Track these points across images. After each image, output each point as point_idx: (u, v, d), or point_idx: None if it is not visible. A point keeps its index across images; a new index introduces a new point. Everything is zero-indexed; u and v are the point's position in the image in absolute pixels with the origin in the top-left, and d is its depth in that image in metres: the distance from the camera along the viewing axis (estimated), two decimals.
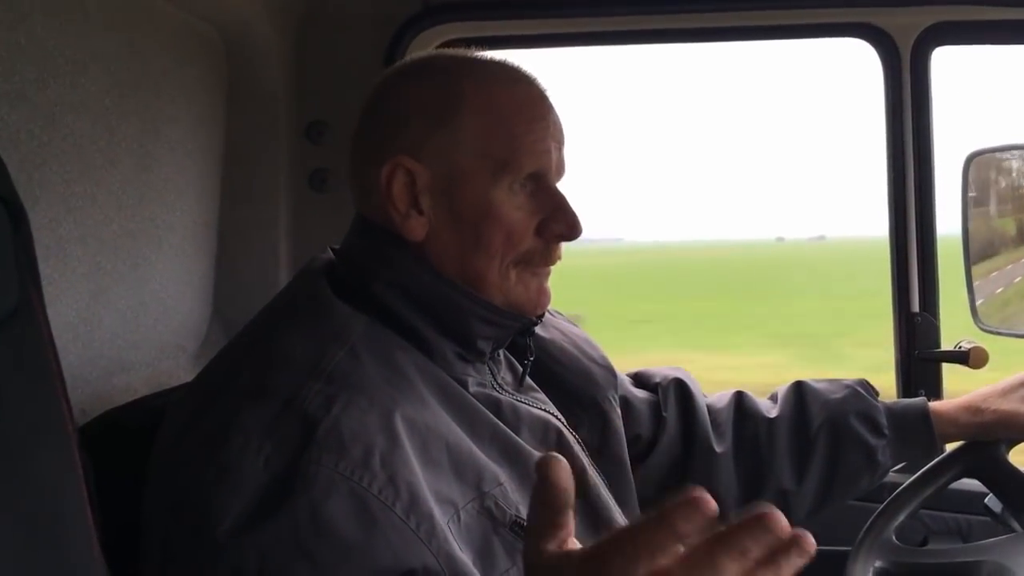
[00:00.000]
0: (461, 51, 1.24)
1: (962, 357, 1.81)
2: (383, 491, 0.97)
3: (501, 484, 1.08)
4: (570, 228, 1.19)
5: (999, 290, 1.84)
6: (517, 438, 1.16)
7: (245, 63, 1.76)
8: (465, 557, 1.00)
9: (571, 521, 0.73)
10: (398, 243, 1.16)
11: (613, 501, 1.25)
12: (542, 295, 1.21)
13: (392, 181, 1.15)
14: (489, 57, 1.22)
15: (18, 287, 0.82)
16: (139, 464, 1.19)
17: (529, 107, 1.18)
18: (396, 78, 1.23)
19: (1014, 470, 1.49)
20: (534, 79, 1.21)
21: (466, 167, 1.15)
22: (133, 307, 1.49)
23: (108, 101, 1.37)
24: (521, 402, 1.22)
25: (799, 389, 1.55)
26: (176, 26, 1.56)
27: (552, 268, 1.23)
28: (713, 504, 0.64)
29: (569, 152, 1.24)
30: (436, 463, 1.03)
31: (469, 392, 1.16)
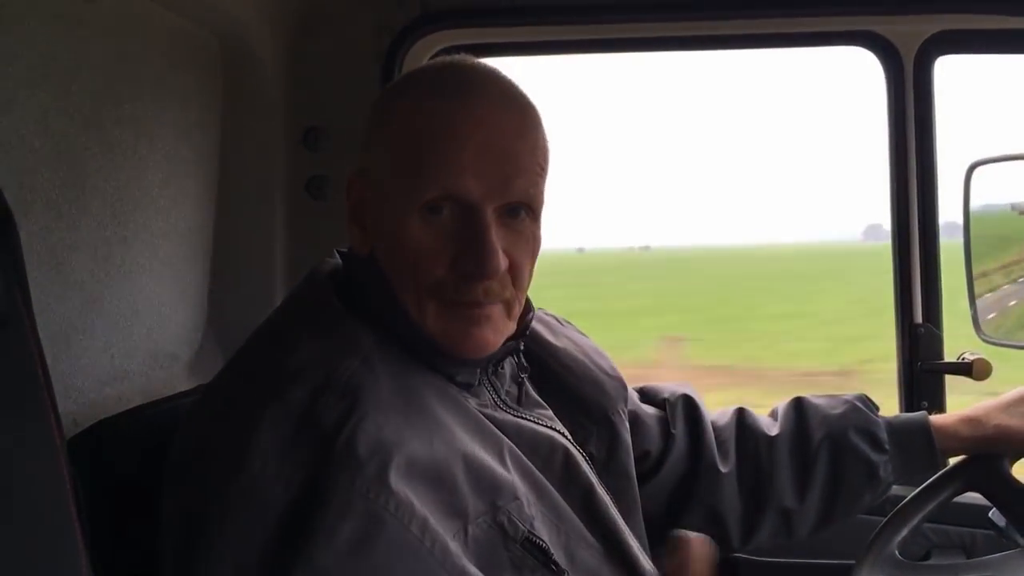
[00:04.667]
0: (439, 61, 1.20)
1: (965, 369, 1.80)
2: (399, 509, 0.96)
3: (517, 499, 1.07)
4: (476, 266, 1.06)
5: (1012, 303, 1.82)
6: (524, 456, 1.14)
7: (241, 68, 1.74)
8: (477, 572, 1.00)
9: None
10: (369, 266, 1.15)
11: (620, 517, 1.23)
12: (468, 339, 1.10)
13: (349, 195, 1.17)
14: (450, 70, 1.14)
15: (4, 295, 0.81)
16: (133, 474, 1.17)
17: (451, 126, 1.07)
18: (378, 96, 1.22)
19: (1017, 484, 1.48)
20: (480, 98, 1.10)
21: (385, 187, 1.11)
22: (126, 316, 1.47)
23: (102, 107, 1.36)
24: (525, 419, 1.20)
25: (798, 405, 1.53)
26: (171, 31, 1.55)
27: (493, 309, 1.11)
28: None
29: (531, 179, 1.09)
30: (451, 477, 1.02)
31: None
